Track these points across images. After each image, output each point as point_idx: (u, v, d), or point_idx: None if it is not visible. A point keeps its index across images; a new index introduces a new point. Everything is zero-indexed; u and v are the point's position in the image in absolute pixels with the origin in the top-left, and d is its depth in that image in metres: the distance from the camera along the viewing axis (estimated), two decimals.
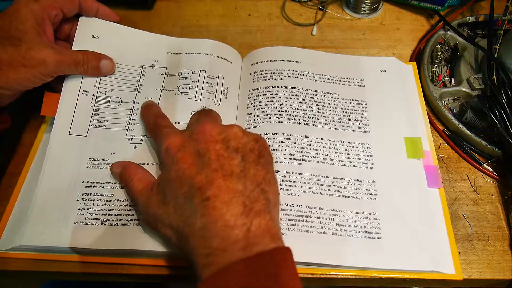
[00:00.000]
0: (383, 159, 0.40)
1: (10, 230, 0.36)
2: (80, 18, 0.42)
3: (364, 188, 0.38)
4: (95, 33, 0.42)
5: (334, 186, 0.37)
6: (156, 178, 0.34)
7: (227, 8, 0.55)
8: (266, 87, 0.44)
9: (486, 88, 0.43)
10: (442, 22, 0.50)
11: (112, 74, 0.42)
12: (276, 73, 0.45)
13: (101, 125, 0.40)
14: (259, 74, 0.45)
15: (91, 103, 0.40)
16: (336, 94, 0.44)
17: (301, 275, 0.35)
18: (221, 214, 0.27)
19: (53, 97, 0.40)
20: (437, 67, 0.47)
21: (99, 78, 0.41)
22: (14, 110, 0.41)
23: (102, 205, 0.36)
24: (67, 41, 0.43)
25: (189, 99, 0.42)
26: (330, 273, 0.35)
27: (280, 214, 0.35)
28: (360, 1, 0.53)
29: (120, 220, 0.35)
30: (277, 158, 0.38)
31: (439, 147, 0.43)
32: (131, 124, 0.41)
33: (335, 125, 0.41)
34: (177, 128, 0.36)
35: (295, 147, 0.39)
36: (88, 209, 0.36)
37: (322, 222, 0.35)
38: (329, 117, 0.42)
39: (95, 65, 0.40)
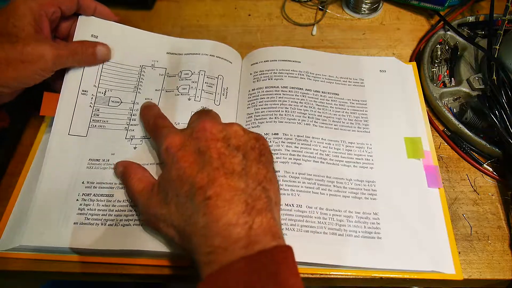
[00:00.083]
0: (383, 159, 0.40)
1: (10, 230, 0.36)
2: (79, 17, 0.42)
3: (364, 188, 0.38)
4: (94, 32, 0.42)
5: (334, 186, 0.37)
6: (156, 178, 0.34)
7: (227, 8, 0.55)
8: (266, 87, 0.44)
9: (486, 88, 0.43)
10: (442, 22, 0.50)
11: (108, 63, 0.42)
12: (276, 73, 0.45)
13: (101, 126, 0.40)
14: (259, 74, 0.45)
15: (91, 103, 0.40)
16: (336, 94, 0.44)
17: (301, 275, 0.34)
18: (223, 212, 0.27)
19: (52, 97, 0.39)
20: (437, 67, 0.47)
21: (98, 78, 0.41)
22: (14, 109, 0.41)
23: (102, 205, 0.36)
24: (66, 40, 0.43)
25: (189, 99, 0.42)
26: (330, 273, 0.35)
27: (280, 214, 0.35)
28: (360, 1, 0.53)
29: (120, 220, 0.35)
30: (277, 158, 0.38)
31: (439, 147, 0.43)
32: (131, 124, 0.41)
33: (335, 125, 0.41)
34: (177, 128, 0.36)
35: (295, 147, 0.39)
36: (88, 209, 0.36)
37: (322, 222, 0.35)
38: (329, 117, 0.42)
39: (91, 52, 0.40)
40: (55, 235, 0.34)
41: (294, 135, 0.40)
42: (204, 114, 0.35)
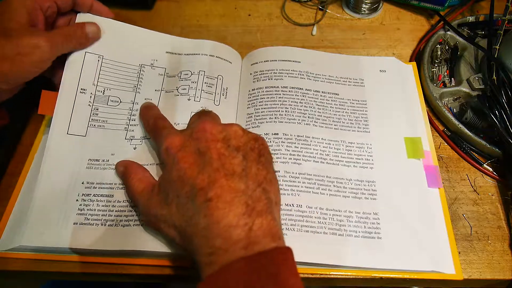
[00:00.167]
0: (383, 159, 0.40)
1: (10, 230, 0.36)
2: (77, 15, 0.42)
3: (364, 188, 0.38)
4: None
5: (334, 186, 0.37)
6: (156, 179, 0.34)
7: (227, 8, 0.55)
8: (266, 87, 0.44)
9: (486, 88, 0.43)
10: (442, 22, 0.50)
11: (99, 40, 0.42)
12: (276, 73, 0.45)
13: (100, 125, 0.40)
14: (259, 74, 0.45)
15: (90, 102, 0.40)
16: (336, 94, 0.44)
17: (301, 275, 0.34)
18: (223, 214, 0.27)
19: (50, 95, 0.39)
20: (437, 67, 0.47)
21: (97, 76, 0.41)
22: (15, 108, 0.41)
23: (102, 205, 0.36)
24: None
25: (189, 100, 0.42)
26: (330, 273, 0.35)
27: (280, 214, 0.35)
28: (360, 1, 0.53)
29: (120, 221, 0.35)
30: (277, 158, 0.38)
31: (439, 147, 0.43)
32: (130, 125, 0.40)
33: (335, 125, 0.41)
34: (176, 129, 0.36)
35: (295, 147, 0.39)
36: (88, 209, 0.36)
37: (322, 222, 0.35)
38: (329, 117, 0.42)
39: (81, 33, 0.40)
40: (55, 235, 0.34)
41: (294, 135, 0.40)
42: (204, 115, 0.35)
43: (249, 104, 0.43)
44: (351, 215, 0.36)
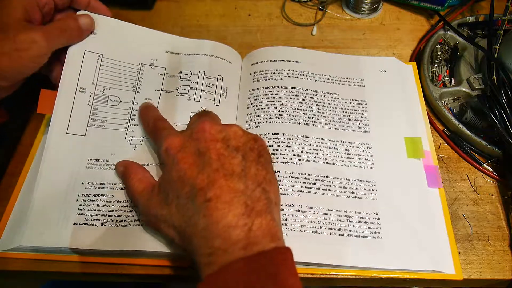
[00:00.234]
0: (383, 159, 0.40)
1: (10, 230, 0.36)
2: (77, 13, 0.42)
3: (365, 188, 0.38)
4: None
5: (335, 186, 0.37)
6: (156, 179, 0.34)
7: (227, 8, 0.55)
8: (266, 87, 0.44)
9: (486, 88, 0.43)
10: (442, 22, 0.50)
11: (93, 33, 0.41)
12: (276, 73, 0.45)
13: (99, 125, 0.40)
14: (259, 74, 0.45)
15: (89, 101, 0.40)
16: (336, 94, 0.44)
17: (301, 275, 0.35)
18: (223, 214, 0.27)
19: (49, 94, 0.39)
20: (437, 67, 0.47)
21: (96, 75, 0.41)
22: (15, 107, 0.41)
23: (102, 206, 0.36)
24: None
25: (189, 100, 0.42)
26: (330, 273, 0.35)
27: (280, 214, 0.35)
28: (360, 1, 0.53)
29: (120, 221, 0.35)
30: (277, 158, 0.38)
31: (439, 147, 0.43)
32: (130, 124, 0.40)
33: (335, 125, 0.41)
34: (176, 130, 0.36)
35: (295, 147, 0.39)
36: (87, 209, 0.36)
37: (323, 222, 0.35)
38: (329, 117, 0.42)
39: (74, 25, 0.39)
40: (55, 235, 0.34)
41: (294, 135, 0.40)
42: (203, 115, 0.35)
43: (249, 104, 0.43)
44: (352, 215, 0.36)
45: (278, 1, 0.56)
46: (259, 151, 0.31)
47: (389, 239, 0.35)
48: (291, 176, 0.38)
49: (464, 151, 0.42)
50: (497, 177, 0.40)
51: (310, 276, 0.35)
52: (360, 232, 0.35)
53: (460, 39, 0.48)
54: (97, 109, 0.40)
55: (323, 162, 0.39)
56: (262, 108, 0.42)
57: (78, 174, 0.37)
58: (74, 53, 0.40)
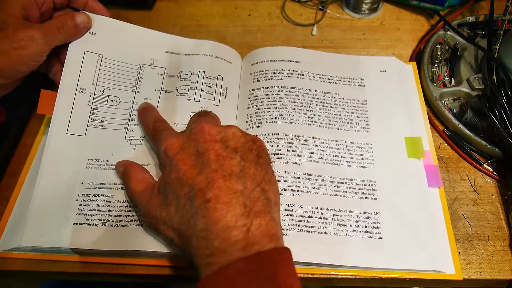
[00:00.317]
0: (383, 159, 0.40)
1: (10, 231, 0.36)
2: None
3: (365, 188, 0.38)
4: (92, 30, 0.42)
5: (335, 186, 0.37)
6: (156, 179, 0.34)
7: (227, 8, 0.55)
8: (266, 87, 0.44)
9: (486, 88, 0.43)
10: (442, 22, 0.50)
11: (88, 30, 0.41)
12: (276, 73, 0.45)
13: (99, 125, 0.40)
14: (259, 74, 0.45)
15: (89, 102, 0.40)
16: (336, 94, 0.44)
17: (301, 275, 0.35)
18: (221, 215, 0.27)
19: (50, 95, 0.39)
20: (437, 67, 0.47)
21: (96, 75, 0.41)
22: (15, 106, 0.41)
23: (102, 206, 0.36)
24: None
25: (188, 100, 0.42)
26: (330, 273, 0.35)
27: (280, 214, 0.35)
28: (360, 1, 0.53)
29: (120, 221, 0.35)
30: (277, 158, 0.38)
31: (439, 147, 0.43)
32: (130, 125, 0.40)
33: (335, 125, 0.41)
34: (175, 130, 0.36)
35: (296, 147, 0.39)
36: (87, 209, 0.36)
37: (323, 222, 0.35)
38: (330, 117, 0.42)
39: (71, 23, 0.39)
40: (55, 235, 0.34)
41: (295, 135, 0.40)
42: (203, 116, 0.35)
43: (249, 104, 0.43)
44: (352, 215, 0.36)
45: (278, 1, 0.56)
46: (258, 151, 0.31)
47: (389, 239, 0.35)
48: (292, 176, 0.38)
49: (464, 151, 0.42)
50: (497, 177, 0.40)
51: (310, 276, 0.35)
52: (360, 232, 0.35)
53: (460, 39, 0.48)
54: (97, 109, 0.40)
55: (324, 162, 0.39)
56: (262, 108, 0.42)
57: (78, 174, 0.37)
58: (74, 54, 0.40)
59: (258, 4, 0.55)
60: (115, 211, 0.35)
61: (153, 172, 0.37)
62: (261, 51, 0.47)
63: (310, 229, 0.35)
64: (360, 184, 0.38)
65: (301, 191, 0.37)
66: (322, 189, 0.37)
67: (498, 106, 0.40)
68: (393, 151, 0.40)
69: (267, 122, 0.41)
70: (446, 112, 0.43)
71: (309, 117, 0.41)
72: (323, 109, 0.43)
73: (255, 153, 0.31)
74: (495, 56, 0.44)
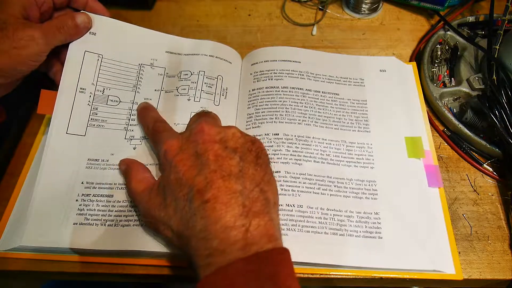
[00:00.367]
0: (383, 159, 0.40)
1: (10, 231, 0.36)
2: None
3: (365, 188, 0.38)
4: (92, 30, 0.42)
5: (335, 186, 0.37)
6: (156, 179, 0.34)
7: (227, 8, 0.55)
8: (266, 87, 0.44)
9: (486, 88, 0.43)
10: (442, 22, 0.50)
11: (88, 30, 0.41)
12: (276, 73, 0.45)
13: (99, 125, 0.40)
14: (259, 74, 0.45)
15: (89, 102, 0.40)
16: (336, 94, 0.44)
17: (301, 275, 0.35)
18: (220, 215, 0.27)
19: (50, 95, 0.39)
20: (437, 67, 0.47)
21: (96, 75, 0.41)
22: (15, 106, 0.41)
23: (102, 206, 0.36)
24: None
25: (188, 100, 0.42)
26: (330, 273, 0.35)
27: (280, 214, 0.35)
28: (360, 1, 0.53)
29: (120, 221, 0.35)
30: (277, 158, 0.38)
31: (439, 147, 0.43)
32: (130, 124, 0.40)
33: (335, 125, 0.41)
34: (175, 131, 0.36)
35: (296, 147, 0.39)
36: (87, 209, 0.36)
37: (323, 222, 0.35)
38: (330, 117, 0.42)
39: (71, 23, 0.39)
40: (55, 235, 0.34)
41: (295, 135, 0.40)
42: (203, 116, 0.35)
43: (250, 104, 0.43)
44: (352, 215, 0.36)
45: (278, 1, 0.56)
46: (257, 152, 0.31)
47: (390, 239, 0.35)
48: (292, 176, 0.38)
49: (464, 151, 0.42)
50: (497, 177, 0.40)
51: (310, 276, 0.35)
52: (360, 232, 0.35)
53: (460, 39, 0.48)
54: (97, 109, 0.40)
55: (324, 162, 0.39)
56: (262, 108, 0.42)
57: (78, 174, 0.37)
58: (74, 54, 0.40)
59: (258, 4, 0.55)
60: (115, 211, 0.35)
61: (154, 172, 0.37)
62: (261, 51, 0.47)
63: (310, 229, 0.35)
64: (360, 184, 0.38)
65: (301, 191, 0.37)
66: (322, 189, 0.37)
67: (498, 106, 0.40)
68: (393, 151, 0.40)
69: (267, 122, 0.41)
70: (446, 112, 0.43)
71: (309, 117, 0.41)
72: (323, 109, 0.43)
73: (254, 153, 0.31)
74: (495, 56, 0.44)
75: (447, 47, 0.49)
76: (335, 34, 0.52)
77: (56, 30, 0.38)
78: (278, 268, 0.26)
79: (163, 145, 0.33)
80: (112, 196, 0.36)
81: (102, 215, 0.35)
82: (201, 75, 0.43)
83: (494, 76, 0.42)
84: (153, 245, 0.34)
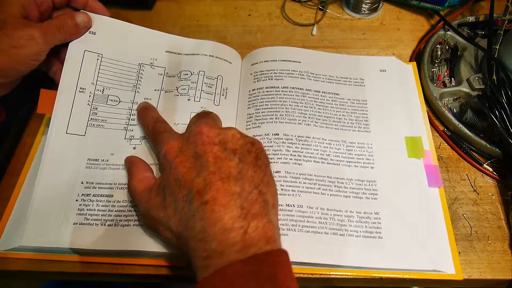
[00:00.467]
0: (383, 159, 0.40)
1: (10, 231, 0.36)
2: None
3: (365, 188, 0.38)
4: (92, 29, 0.42)
5: (335, 186, 0.37)
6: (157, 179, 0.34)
7: (227, 8, 0.55)
8: (266, 87, 0.44)
9: (486, 88, 0.43)
10: (442, 22, 0.50)
11: (88, 30, 0.41)
12: (276, 73, 0.45)
13: (99, 125, 0.40)
14: (259, 74, 0.45)
15: (89, 101, 0.40)
16: (336, 94, 0.44)
17: (301, 275, 0.35)
18: (219, 217, 0.27)
19: (49, 94, 0.39)
20: (437, 67, 0.47)
21: (96, 75, 0.41)
22: (15, 106, 0.41)
23: (102, 206, 0.36)
24: None
25: (188, 100, 0.42)
26: (330, 273, 0.35)
27: (281, 214, 0.35)
28: (360, 1, 0.53)
29: (120, 221, 0.35)
30: (278, 158, 0.38)
31: (439, 147, 0.43)
32: (130, 124, 0.40)
33: (335, 125, 0.41)
34: (175, 132, 0.36)
35: (296, 147, 0.39)
36: (87, 209, 0.36)
37: (323, 222, 0.35)
38: (330, 117, 0.42)
39: (71, 23, 0.39)
40: (55, 235, 0.34)
41: (295, 136, 0.40)
42: (203, 117, 0.35)
43: (250, 104, 0.43)
44: (352, 215, 0.36)
45: (278, 1, 0.56)
46: (256, 153, 0.31)
47: (390, 239, 0.35)
48: (292, 177, 0.38)
49: (464, 151, 0.42)
50: (497, 177, 0.40)
51: (310, 276, 0.35)
52: (360, 232, 0.35)
53: (460, 39, 0.48)
54: (96, 109, 0.40)
55: (324, 162, 0.39)
56: (262, 108, 0.42)
57: (77, 174, 0.37)
58: (74, 53, 0.40)
59: (258, 4, 0.55)
60: (115, 211, 0.35)
61: (154, 172, 0.37)
62: (261, 51, 0.47)
63: (310, 229, 0.35)
64: (360, 184, 0.38)
65: (301, 191, 0.37)
66: (322, 189, 0.37)
67: (498, 106, 0.40)
68: (393, 151, 0.40)
69: (267, 122, 0.41)
70: (446, 112, 0.43)
71: (309, 117, 0.41)
72: (323, 109, 0.43)
73: (253, 155, 0.31)
74: (495, 56, 0.44)
75: (447, 47, 0.49)
76: (335, 34, 0.52)
77: (56, 29, 0.38)
78: (277, 269, 0.26)
79: (163, 146, 0.33)
80: (112, 196, 0.36)
81: (102, 215, 0.35)
82: (201, 75, 0.43)
83: (494, 76, 0.42)
84: (153, 245, 0.34)
